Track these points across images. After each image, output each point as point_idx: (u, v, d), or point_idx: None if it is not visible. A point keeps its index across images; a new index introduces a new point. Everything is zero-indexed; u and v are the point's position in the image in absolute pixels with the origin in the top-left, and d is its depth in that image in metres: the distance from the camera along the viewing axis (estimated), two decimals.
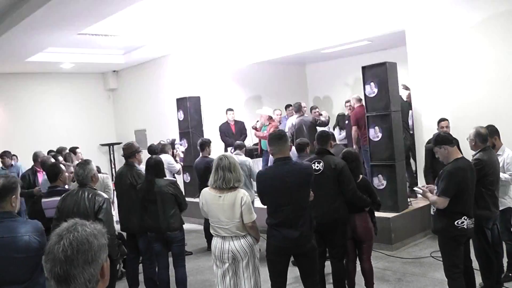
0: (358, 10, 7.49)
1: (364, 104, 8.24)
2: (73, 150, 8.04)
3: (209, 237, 6.04)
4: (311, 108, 9.40)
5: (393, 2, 7.09)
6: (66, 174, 4.74)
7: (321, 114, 8.50)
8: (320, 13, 8.02)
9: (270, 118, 8.71)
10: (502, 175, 4.47)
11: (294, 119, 8.43)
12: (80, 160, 5.43)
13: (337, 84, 12.72)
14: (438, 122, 6.24)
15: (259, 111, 8.91)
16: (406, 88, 7.49)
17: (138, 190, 4.91)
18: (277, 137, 3.73)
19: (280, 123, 8.78)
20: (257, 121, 8.92)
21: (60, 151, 7.61)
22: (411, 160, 7.56)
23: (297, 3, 7.71)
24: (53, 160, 6.31)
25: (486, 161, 4.16)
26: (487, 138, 4.34)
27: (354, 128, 7.80)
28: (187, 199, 7.80)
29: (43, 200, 4.44)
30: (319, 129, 7.96)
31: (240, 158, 6.24)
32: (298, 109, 8.41)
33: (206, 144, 6.97)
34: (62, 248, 1.35)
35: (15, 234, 2.70)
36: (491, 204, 4.18)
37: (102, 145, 12.83)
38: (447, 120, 6.19)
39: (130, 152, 5.30)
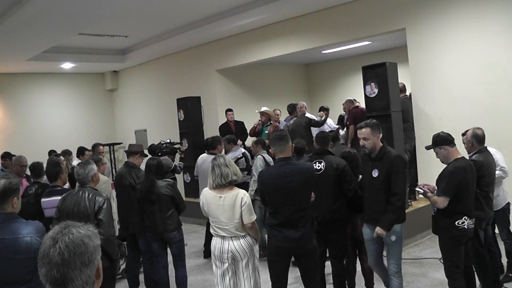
0: (359, 10, 7.49)
1: (361, 104, 8.27)
2: (82, 150, 8.00)
3: (208, 237, 6.06)
4: (321, 108, 9.34)
5: (393, 2, 7.09)
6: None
7: (318, 115, 8.55)
8: (320, 13, 8.03)
9: (269, 118, 8.71)
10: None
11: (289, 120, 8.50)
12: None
13: (338, 85, 12.74)
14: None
15: (259, 111, 8.91)
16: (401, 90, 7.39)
17: (136, 190, 4.88)
18: (278, 137, 3.73)
19: (279, 123, 8.79)
20: (260, 120, 8.87)
21: (64, 154, 7.61)
22: None
23: (297, 3, 7.70)
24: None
25: (482, 162, 4.17)
26: (484, 139, 4.36)
27: (352, 127, 7.82)
28: (188, 199, 7.83)
29: (43, 199, 4.43)
30: (313, 129, 7.99)
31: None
32: (292, 110, 8.44)
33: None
34: (59, 251, 1.34)
35: (16, 235, 2.68)
36: (485, 205, 4.19)
37: (103, 145, 12.81)
38: (366, 126, 3.98)
39: (133, 151, 5.30)
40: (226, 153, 6.65)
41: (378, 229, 3.84)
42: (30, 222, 2.80)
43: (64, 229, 1.40)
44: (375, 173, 3.92)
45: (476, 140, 4.32)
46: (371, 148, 3.95)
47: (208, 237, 6.17)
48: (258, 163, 5.95)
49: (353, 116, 7.90)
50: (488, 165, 4.22)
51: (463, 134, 4.51)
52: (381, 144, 3.98)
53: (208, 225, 6.48)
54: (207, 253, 6.48)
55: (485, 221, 4.30)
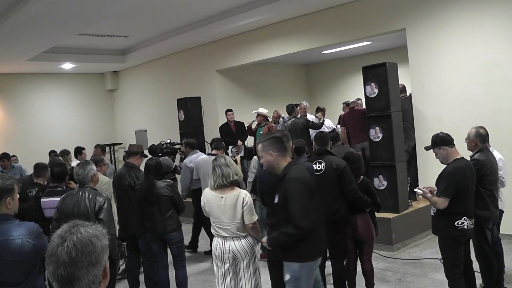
0: (359, 10, 7.49)
1: (360, 105, 8.27)
2: (79, 150, 8.01)
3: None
4: (317, 109, 9.33)
5: (393, 2, 7.09)
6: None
7: (317, 116, 8.53)
8: (320, 13, 8.02)
9: (266, 118, 8.70)
10: None
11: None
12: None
13: (338, 85, 12.74)
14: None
15: (255, 111, 8.91)
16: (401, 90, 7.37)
17: (136, 191, 4.88)
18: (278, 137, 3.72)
19: (279, 123, 8.78)
20: (253, 121, 8.91)
21: (63, 153, 7.61)
22: None
23: (297, 2, 7.70)
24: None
25: (484, 161, 4.16)
26: (486, 138, 4.35)
27: (342, 129, 7.92)
28: (188, 200, 7.84)
29: (42, 199, 4.43)
30: (311, 131, 7.98)
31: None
32: (291, 110, 8.43)
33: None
34: (66, 250, 1.34)
35: (7, 237, 2.63)
36: (491, 204, 4.18)
37: (102, 146, 12.82)
38: (260, 142, 3.56)
39: (132, 151, 5.28)
40: (185, 157, 6.68)
41: (264, 238, 3.44)
42: (23, 224, 2.74)
43: (72, 228, 1.41)
44: (276, 198, 3.30)
45: (480, 139, 4.31)
46: (268, 167, 3.37)
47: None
48: (252, 164, 5.94)
49: (343, 118, 7.94)
50: (490, 163, 4.20)
51: (467, 138, 4.48)
52: (286, 163, 3.29)
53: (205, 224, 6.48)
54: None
55: (492, 221, 4.28)
